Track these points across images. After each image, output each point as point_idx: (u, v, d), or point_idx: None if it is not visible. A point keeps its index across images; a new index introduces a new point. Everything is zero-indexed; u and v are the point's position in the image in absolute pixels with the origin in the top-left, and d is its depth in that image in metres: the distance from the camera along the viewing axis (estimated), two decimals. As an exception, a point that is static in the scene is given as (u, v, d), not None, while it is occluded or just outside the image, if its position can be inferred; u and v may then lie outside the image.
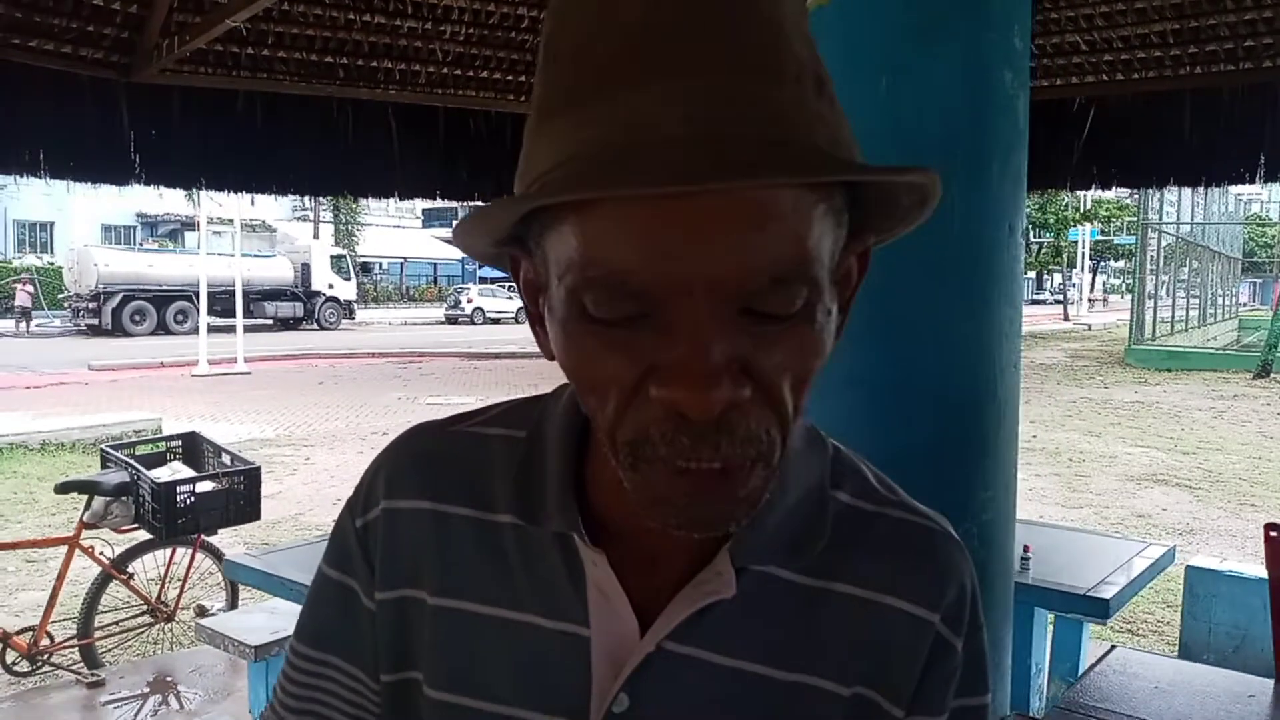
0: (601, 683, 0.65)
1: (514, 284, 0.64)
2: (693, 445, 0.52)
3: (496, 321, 33.39)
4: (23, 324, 26.12)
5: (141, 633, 4.57)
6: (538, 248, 0.56)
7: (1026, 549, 2.93)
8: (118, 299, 25.45)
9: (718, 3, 0.51)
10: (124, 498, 4.27)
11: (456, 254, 44.19)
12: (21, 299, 26.33)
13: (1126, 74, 4.03)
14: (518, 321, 32.92)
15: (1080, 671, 3.53)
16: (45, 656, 4.28)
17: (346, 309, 31.10)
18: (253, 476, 4.48)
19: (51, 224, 35.48)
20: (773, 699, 0.65)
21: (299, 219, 40.92)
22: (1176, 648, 4.46)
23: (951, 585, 0.69)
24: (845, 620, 0.67)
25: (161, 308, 26.31)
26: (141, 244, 34.91)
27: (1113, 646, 2.35)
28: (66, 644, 4.34)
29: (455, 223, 0.58)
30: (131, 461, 4.36)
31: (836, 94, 0.56)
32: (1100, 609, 2.73)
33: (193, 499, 4.24)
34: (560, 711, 0.65)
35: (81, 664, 4.32)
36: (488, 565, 0.68)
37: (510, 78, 4.28)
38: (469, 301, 34.10)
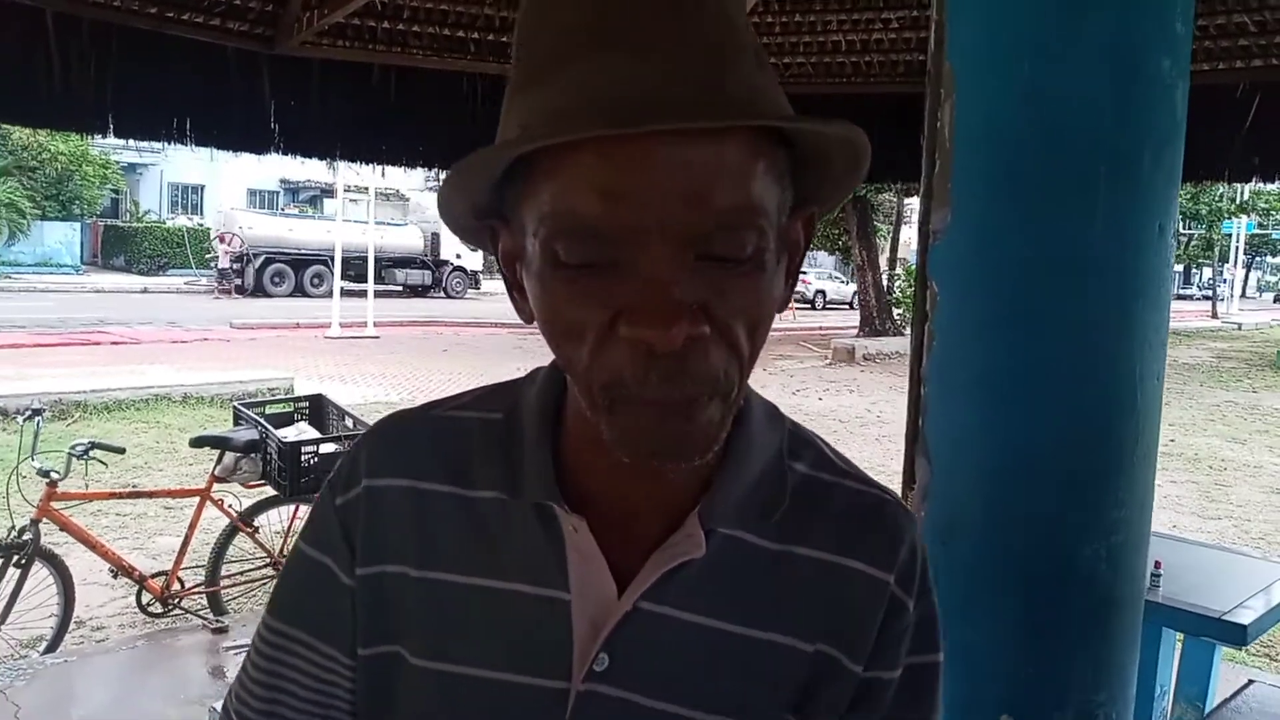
0: (582, 643, 0.68)
1: (495, 258, 0.70)
2: (659, 382, 0.58)
3: (617, 296, 33.51)
4: (224, 284, 25.37)
5: (264, 584, 4.78)
6: (514, 213, 0.63)
7: (1157, 565, 2.76)
8: (260, 261, 26.55)
9: None
10: (252, 455, 4.46)
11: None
12: (223, 259, 25.61)
13: (1297, 59, 3.71)
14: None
15: (1209, 696, 3.32)
16: (176, 600, 4.52)
17: (472, 279, 31.70)
18: (373, 441, 4.59)
19: (202, 187, 37.25)
20: (742, 655, 0.70)
21: (431, 189, 41.91)
22: (1320, 678, 4.17)
23: (904, 548, 0.74)
24: (807, 581, 0.72)
25: (299, 271, 27.28)
26: (283, 209, 36.37)
27: (1250, 681, 2.19)
28: (195, 590, 4.58)
29: (439, 188, 0.63)
30: (261, 420, 4.54)
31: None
32: (1237, 635, 2.54)
33: (316, 459, 4.39)
34: (544, 673, 0.69)
35: (208, 609, 4.56)
36: (470, 538, 0.72)
37: (638, 53, 4.24)
38: (590, 276, 34.33)
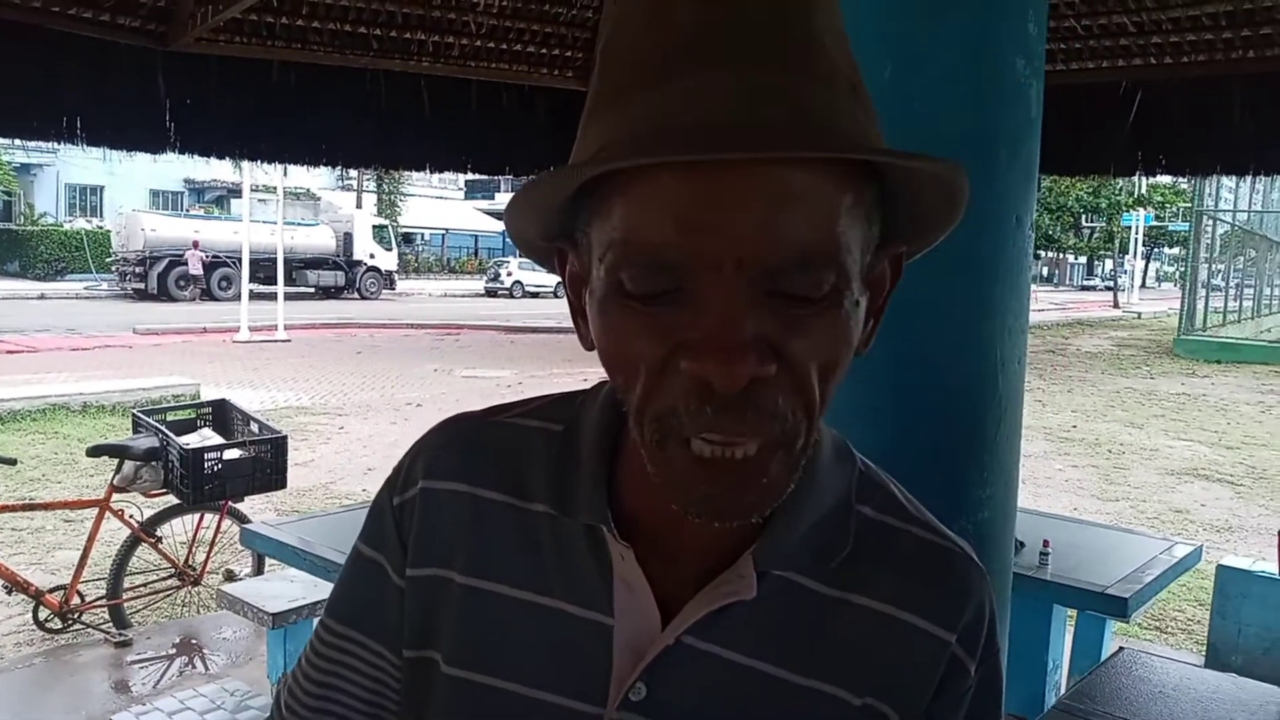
0: (621, 671, 0.67)
1: (560, 280, 0.68)
2: (716, 418, 0.54)
3: (535, 296, 33.39)
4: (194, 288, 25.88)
5: (169, 595, 4.66)
6: (584, 236, 0.60)
7: (1046, 544, 2.88)
8: (163, 264, 25.80)
9: (758, 9, 0.56)
10: (153, 463, 4.34)
11: (497, 226, 44.22)
12: (194, 265, 25.97)
13: (1175, 57, 3.90)
14: (556, 296, 32.92)
15: (1101, 669, 3.48)
16: (76, 615, 4.37)
17: (387, 279, 31.25)
18: (279, 446, 4.52)
19: (102, 188, 36.01)
20: (785, 701, 0.67)
21: (342, 188, 41.19)
22: (1204, 648, 4.38)
23: (970, 607, 0.70)
24: (862, 631, 0.68)
25: (206, 273, 26.62)
26: (188, 209, 35.35)
27: (1120, 649, 2.30)
28: (96, 604, 4.43)
29: (507, 205, 0.62)
30: (161, 427, 4.42)
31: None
32: (1118, 607, 2.67)
33: (220, 466, 4.30)
34: (579, 696, 0.68)
35: (110, 623, 4.41)
36: (520, 550, 0.71)
37: (543, 51, 4.25)
38: (508, 275, 34.14)
